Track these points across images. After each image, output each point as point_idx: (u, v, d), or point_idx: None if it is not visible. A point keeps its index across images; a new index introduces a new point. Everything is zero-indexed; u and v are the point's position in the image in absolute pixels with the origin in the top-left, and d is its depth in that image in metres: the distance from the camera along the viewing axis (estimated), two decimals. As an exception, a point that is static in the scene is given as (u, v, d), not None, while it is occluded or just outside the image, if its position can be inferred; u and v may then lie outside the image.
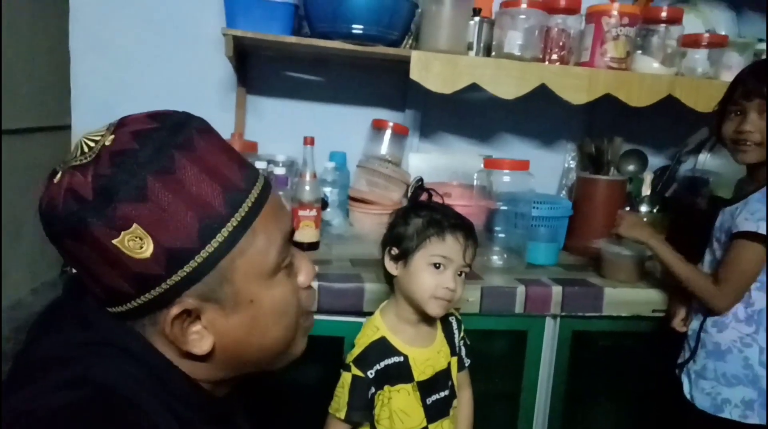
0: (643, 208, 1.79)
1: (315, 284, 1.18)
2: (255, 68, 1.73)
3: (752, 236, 1.07)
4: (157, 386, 0.53)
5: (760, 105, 1.09)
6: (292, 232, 0.60)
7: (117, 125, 0.52)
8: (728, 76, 1.59)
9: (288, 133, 1.61)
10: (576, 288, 1.29)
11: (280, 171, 1.44)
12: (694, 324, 1.18)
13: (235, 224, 0.51)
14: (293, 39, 1.42)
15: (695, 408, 1.13)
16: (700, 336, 1.15)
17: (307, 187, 1.41)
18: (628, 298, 1.31)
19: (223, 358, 0.56)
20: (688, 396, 1.15)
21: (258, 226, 0.53)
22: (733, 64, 1.63)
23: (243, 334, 0.56)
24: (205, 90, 1.70)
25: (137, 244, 0.48)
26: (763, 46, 1.66)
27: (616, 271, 1.36)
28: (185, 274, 0.50)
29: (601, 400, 1.45)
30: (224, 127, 1.65)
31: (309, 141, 1.42)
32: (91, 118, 1.62)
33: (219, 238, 0.51)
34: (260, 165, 1.47)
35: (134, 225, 0.47)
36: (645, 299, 1.31)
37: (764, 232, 1.05)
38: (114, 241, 0.48)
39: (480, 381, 1.16)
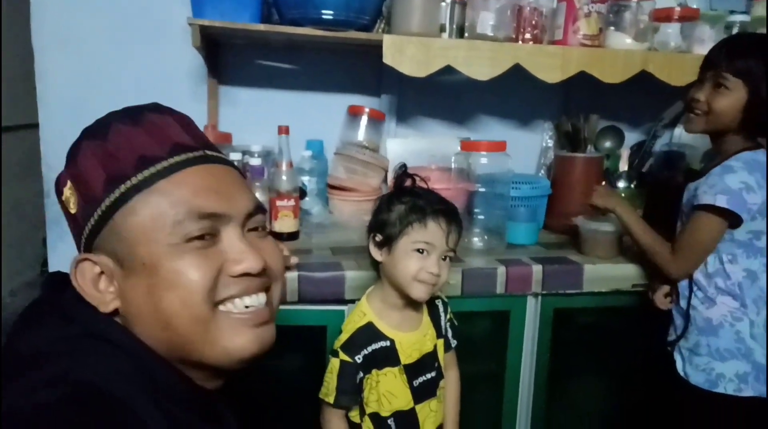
0: (621, 184, 1.81)
1: (294, 274, 1.17)
2: (226, 58, 1.70)
3: (709, 208, 1.08)
4: (144, 380, 0.52)
5: (714, 76, 1.10)
6: (205, 210, 0.57)
7: None
8: (701, 50, 1.60)
9: (263, 122, 1.59)
10: (556, 266, 1.30)
11: (255, 161, 1.42)
12: (682, 302, 1.20)
13: (134, 183, 0.55)
14: (262, 27, 1.39)
15: (689, 384, 1.15)
16: (689, 313, 1.17)
17: (284, 177, 1.40)
18: (607, 274, 1.32)
19: (140, 326, 0.56)
20: (681, 373, 1.17)
21: (159, 191, 0.56)
22: (705, 37, 1.63)
23: (142, 302, 0.55)
24: (175, 82, 1.66)
25: (72, 200, 0.58)
26: (734, 17, 1.66)
27: (595, 247, 1.37)
28: (91, 225, 0.56)
29: (585, 376, 1.47)
30: (197, 119, 1.61)
31: (284, 130, 1.40)
32: (59, 114, 1.58)
33: (116, 193, 0.55)
34: (235, 156, 1.46)
35: (69, 183, 0.58)
36: (624, 274, 1.33)
37: (721, 205, 1.06)
38: (62, 198, 0.60)
39: (464, 362, 1.17)
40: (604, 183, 1.69)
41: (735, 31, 1.65)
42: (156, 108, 0.62)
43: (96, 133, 0.58)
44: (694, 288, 1.16)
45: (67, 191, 0.58)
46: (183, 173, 0.57)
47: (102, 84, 1.61)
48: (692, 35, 1.62)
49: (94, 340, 0.53)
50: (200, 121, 1.65)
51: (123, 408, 0.48)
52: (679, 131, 1.96)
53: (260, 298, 0.60)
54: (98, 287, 0.56)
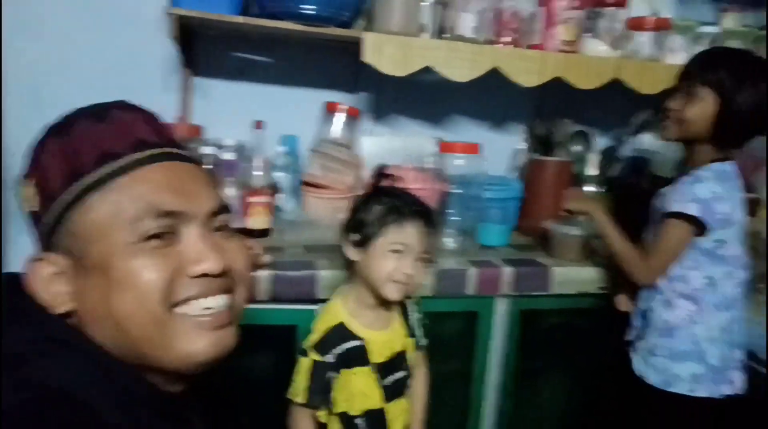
0: (590, 188, 1.84)
1: (267, 273, 1.17)
2: (200, 49, 1.66)
3: (680, 216, 1.12)
4: (106, 383, 0.52)
5: (688, 86, 1.14)
6: (161, 209, 0.55)
7: None
8: (672, 59, 1.64)
9: (237, 116, 1.56)
10: (525, 268, 1.32)
11: (228, 156, 1.41)
12: (642, 304, 1.24)
13: (93, 179, 0.54)
14: (241, 19, 1.37)
15: (645, 384, 1.18)
16: (648, 315, 1.21)
17: (258, 172, 1.39)
18: (575, 277, 1.35)
19: (94, 328, 0.54)
20: (638, 372, 1.20)
21: (118, 188, 0.54)
22: (676, 46, 1.68)
23: (97, 303, 0.53)
24: (146, 71, 1.62)
25: (33, 197, 0.56)
26: (704, 29, 1.71)
27: (564, 250, 1.40)
28: (48, 223, 0.55)
29: (551, 376, 1.50)
30: (167, 111, 1.58)
31: (259, 125, 1.38)
32: (25, 103, 1.53)
33: (74, 189, 0.54)
34: (207, 150, 1.43)
35: (30, 179, 0.57)
36: (591, 277, 1.36)
37: (692, 213, 1.10)
38: (21, 196, 0.58)
39: (434, 361, 1.18)
40: (587, 187, 1.74)
41: (705, 41, 1.70)
42: (123, 104, 0.60)
43: (60, 129, 0.57)
44: (654, 292, 1.20)
45: (29, 189, 0.56)
46: (144, 170, 0.55)
47: (69, 72, 1.56)
48: (664, 44, 1.66)
49: (54, 343, 0.52)
50: (171, 113, 1.62)
51: (88, 412, 0.48)
52: (646, 138, 2.01)
53: (220, 301, 0.58)
54: (51, 288, 0.54)
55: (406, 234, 0.97)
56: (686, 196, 1.12)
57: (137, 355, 0.55)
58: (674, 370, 1.16)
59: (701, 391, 1.14)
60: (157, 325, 0.54)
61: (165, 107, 0.65)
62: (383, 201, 1.00)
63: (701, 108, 1.12)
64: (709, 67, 1.12)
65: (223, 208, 0.61)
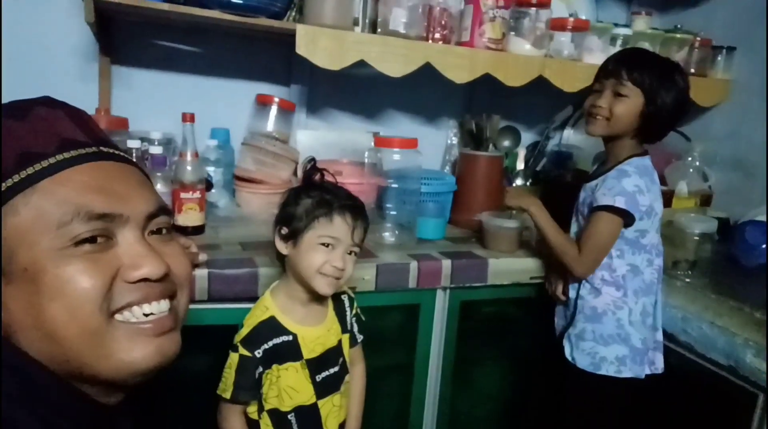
0: (518, 182, 1.92)
1: (204, 272, 1.12)
2: (120, 36, 1.57)
3: (609, 208, 1.19)
4: (30, 400, 0.49)
5: (615, 84, 1.21)
6: (92, 210, 0.53)
7: None
8: (590, 59, 1.74)
9: (164, 108, 1.49)
10: (463, 260, 1.35)
11: (156, 150, 1.33)
12: (571, 292, 1.30)
13: (15, 181, 0.51)
14: (165, 6, 1.30)
15: (576, 368, 1.24)
16: (577, 303, 1.27)
17: (189, 167, 1.32)
18: (509, 268, 1.40)
19: (23, 340, 0.51)
20: (569, 358, 1.26)
21: (42, 190, 0.51)
22: (594, 47, 1.78)
23: (25, 312, 0.50)
24: (61, 59, 1.50)
25: None
26: (619, 31, 1.82)
27: (498, 242, 1.45)
28: None
29: (488, 363, 1.55)
30: (87, 101, 1.47)
31: (189, 118, 1.32)
32: None
33: None
34: (133, 143, 1.35)
35: None
36: (524, 268, 1.41)
37: (620, 205, 1.17)
38: None
39: (377, 354, 1.19)
40: (516, 181, 1.80)
41: (619, 42, 1.81)
42: (47, 102, 0.57)
43: None
44: (583, 280, 1.27)
45: None
46: (71, 171, 0.53)
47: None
48: (582, 45, 1.75)
49: None
50: (90, 103, 1.52)
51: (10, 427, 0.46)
52: (567, 133, 2.12)
53: (162, 306, 0.56)
54: None
55: (335, 227, 0.97)
56: (613, 190, 1.18)
57: (71, 366, 0.52)
58: (602, 354, 1.23)
59: (627, 372, 1.22)
60: (95, 335, 0.52)
61: (83, 97, 0.62)
62: (312, 194, 0.99)
63: (629, 105, 1.19)
64: (635, 66, 1.20)
65: (161, 210, 0.60)
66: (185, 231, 1.31)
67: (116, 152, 0.58)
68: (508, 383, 1.58)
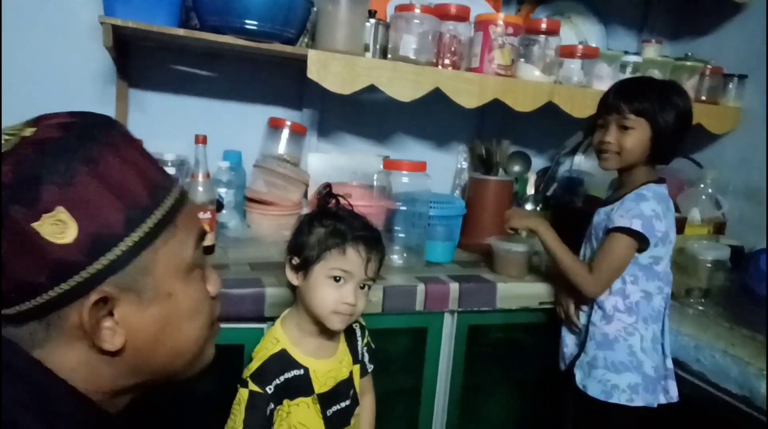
0: (528, 206, 1.92)
1: (212, 291, 1.13)
2: (137, 60, 1.61)
3: (625, 231, 1.18)
4: (41, 407, 0.50)
5: (618, 119, 1.22)
6: (204, 233, 0.62)
7: (35, 120, 0.53)
8: (599, 85, 1.75)
9: (178, 130, 1.52)
10: (471, 284, 1.35)
11: (169, 170, 1.35)
12: (582, 319, 1.28)
13: (159, 216, 0.53)
14: (181, 32, 1.34)
15: (587, 396, 1.22)
16: (589, 329, 1.25)
17: (200, 188, 1.34)
18: (518, 292, 1.39)
19: (136, 358, 0.55)
20: (580, 386, 1.23)
21: (179, 221, 0.56)
22: (604, 74, 1.79)
23: (157, 331, 0.55)
24: (80, 82, 1.54)
25: (58, 228, 0.47)
26: (628, 58, 1.84)
27: (507, 266, 1.44)
28: (108, 261, 0.50)
29: (497, 388, 1.53)
30: (104, 124, 1.51)
31: (201, 139, 1.34)
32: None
33: (144, 227, 0.52)
34: (147, 165, 1.38)
35: (56, 208, 0.47)
36: (533, 293, 1.40)
37: (636, 228, 1.16)
38: (33, 225, 0.47)
39: (383, 378, 1.17)
40: (526, 206, 1.80)
41: (629, 69, 1.83)
42: (112, 125, 0.56)
43: (85, 154, 0.50)
44: (595, 306, 1.25)
45: (53, 218, 0.47)
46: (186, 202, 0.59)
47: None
48: (592, 72, 1.76)
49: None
50: (107, 126, 1.55)
51: None
52: (578, 159, 2.13)
53: None
54: (99, 326, 0.52)
55: (348, 260, 0.92)
56: (631, 213, 1.18)
57: (171, 371, 0.59)
58: (614, 381, 1.20)
59: (639, 401, 1.19)
60: (205, 342, 0.61)
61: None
62: (326, 223, 0.94)
63: (636, 137, 1.20)
64: (634, 97, 1.21)
65: None
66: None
67: None
68: (516, 410, 1.55)
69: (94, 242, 0.49)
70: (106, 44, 1.29)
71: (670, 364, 1.25)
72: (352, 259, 0.92)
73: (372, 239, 0.95)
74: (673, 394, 1.24)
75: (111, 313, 0.52)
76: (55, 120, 0.52)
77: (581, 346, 1.27)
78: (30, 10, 1.48)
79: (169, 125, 1.62)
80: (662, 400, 1.22)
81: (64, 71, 1.52)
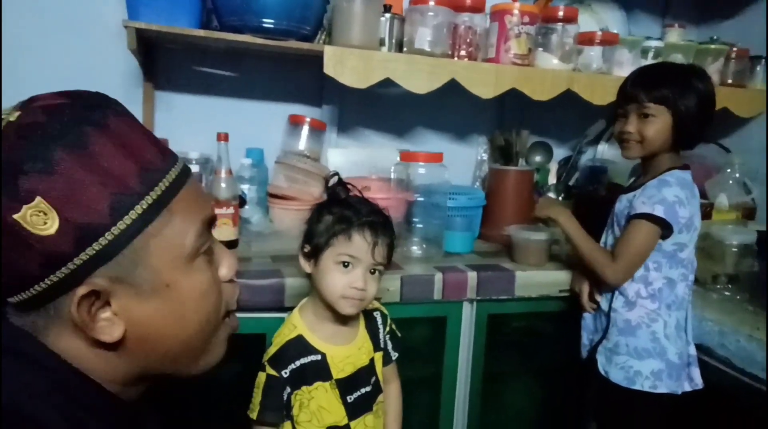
0: (550, 196, 1.90)
1: (234, 281, 1.16)
2: (162, 62, 1.67)
3: (647, 217, 1.17)
4: (58, 396, 0.49)
5: (638, 108, 1.20)
6: (213, 219, 0.59)
7: (24, 103, 0.51)
8: (619, 72, 1.73)
9: (201, 129, 1.56)
10: (490, 272, 1.35)
11: (193, 168, 1.40)
12: (603, 304, 1.27)
13: (150, 202, 0.50)
14: (202, 32, 1.38)
15: (610, 382, 1.21)
16: (611, 315, 1.24)
17: (223, 184, 1.38)
18: (537, 280, 1.39)
19: (139, 350, 0.53)
20: (602, 372, 1.23)
21: (175, 207, 0.53)
22: (624, 60, 1.77)
23: (159, 323, 0.53)
24: (108, 84, 1.58)
25: (40, 219, 0.46)
26: (650, 43, 1.81)
27: (526, 255, 1.44)
28: (95, 252, 0.48)
29: (518, 377, 1.53)
30: (132, 125, 1.57)
31: (223, 137, 1.38)
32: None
33: (132, 214, 0.49)
34: (172, 163, 1.43)
35: (37, 198, 0.45)
36: (552, 280, 1.40)
37: (659, 214, 1.15)
38: (15, 216, 0.45)
39: (403, 367, 1.18)
40: (549, 194, 1.79)
41: (651, 55, 1.80)
42: (110, 103, 0.54)
43: (69, 138, 0.48)
44: (616, 293, 1.24)
45: (34, 209, 0.46)
46: (187, 185, 0.55)
47: (28, 84, 1.52)
48: (612, 58, 1.74)
49: (13, 356, 0.49)
50: (134, 127, 1.61)
51: (35, 426, 0.46)
52: (602, 148, 2.10)
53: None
54: (99, 315, 0.51)
55: (354, 245, 0.93)
56: (653, 199, 1.17)
57: (176, 364, 0.56)
58: (636, 368, 1.19)
59: (662, 388, 1.18)
60: (211, 337, 0.57)
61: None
62: (334, 210, 0.96)
63: (657, 125, 1.19)
64: (653, 85, 1.19)
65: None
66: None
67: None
68: (538, 398, 1.55)
69: (78, 232, 0.47)
70: (130, 47, 1.34)
71: (693, 351, 1.23)
72: (358, 244, 0.93)
73: (378, 224, 0.96)
74: (698, 381, 1.22)
75: (109, 304, 0.51)
76: (42, 102, 0.50)
77: (603, 333, 1.26)
78: (58, 14, 1.55)
79: (193, 125, 1.67)
80: (687, 388, 1.21)
81: (93, 74, 1.59)
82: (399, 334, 1.12)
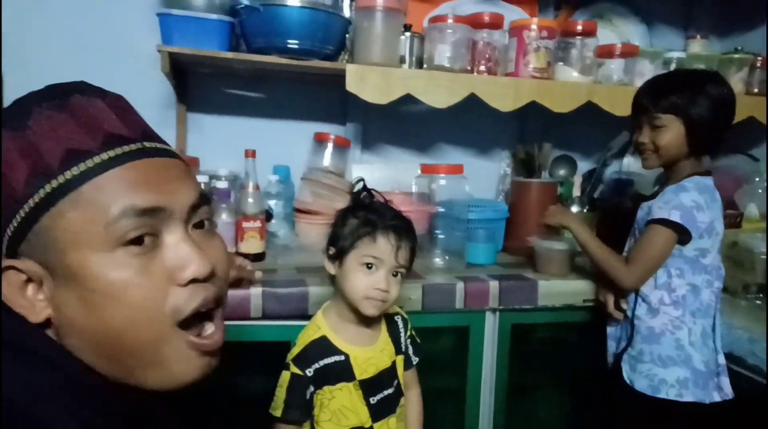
0: (574, 209, 1.90)
1: (258, 290, 1.20)
2: (194, 85, 1.75)
3: (663, 222, 1.16)
4: (69, 396, 0.48)
5: (649, 119, 1.21)
6: (156, 209, 0.52)
7: None
8: (641, 83, 1.72)
9: (231, 148, 1.63)
10: (512, 282, 1.36)
11: (222, 184, 1.46)
12: (628, 312, 1.26)
13: (61, 182, 0.49)
14: (230, 54, 1.45)
15: (635, 391, 1.20)
16: (634, 323, 1.23)
17: (250, 199, 1.43)
18: (560, 290, 1.38)
19: (71, 340, 0.51)
20: (627, 380, 1.22)
21: (90, 190, 0.49)
22: (646, 71, 1.77)
23: (78, 313, 0.50)
24: (144, 108, 1.64)
25: None
26: (672, 54, 1.81)
27: (549, 264, 1.44)
28: (14, 228, 0.50)
29: (543, 387, 1.52)
30: (165, 145, 1.65)
31: (250, 154, 1.45)
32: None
33: (41, 193, 0.49)
34: (202, 180, 1.48)
35: None
36: (576, 290, 1.39)
37: (675, 219, 1.15)
38: None
39: (426, 376, 1.18)
40: (571, 208, 1.80)
41: (672, 66, 1.80)
42: (84, 88, 0.55)
43: (15, 118, 0.51)
44: (639, 300, 1.23)
45: None
46: (118, 169, 0.51)
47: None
48: (634, 70, 1.75)
49: (18, 353, 0.49)
50: (168, 147, 1.69)
51: (36, 424, 0.45)
52: (627, 160, 2.09)
53: (215, 326, 0.57)
54: (25, 296, 0.51)
55: (378, 247, 0.96)
56: (670, 204, 1.17)
57: (121, 367, 0.52)
58: (661, 376, 1.18)
59: (689, 396, 1.16)
60: (156, 343, 0.51)
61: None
62: (358, 214, 1.00)
63: (669, 134, 1.19)
64: (661, 94, 1.20)
65: (202, 198, 0.57)
66: (247, 258, 1.40)
67: (159, 146, 0.56)
68: (564, 410, 1.53)
69: (6, 209, 0.49)
70: (164, 70, 1.42)
71: (722, 360, 1.21)
72: (382, 247, 0.97)
73: (402, 228, 0.99)
74: (728, 390, 1.19)
75: (37, 284, 0.51)
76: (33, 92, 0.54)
77: (628, 341, 1.25)
78: (98, 42, 1.65)
79: (223, 144, 1.74)
80: (716, 398, 1.18)
81: (130, 98, 1.66)
82: (419, 341, 1.13)
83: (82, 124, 0.52)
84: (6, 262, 0.50)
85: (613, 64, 1.73)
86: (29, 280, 0.51)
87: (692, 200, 1.16)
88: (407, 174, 1.79)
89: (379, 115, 1.81)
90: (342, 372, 0.99)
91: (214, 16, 1.42)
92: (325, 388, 0.99)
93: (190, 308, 0.52)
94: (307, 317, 1.22)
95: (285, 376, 0.98)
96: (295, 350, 1.01)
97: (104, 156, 0.51)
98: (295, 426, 1.00)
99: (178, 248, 0.53)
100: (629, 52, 1.73)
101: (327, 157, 1.76)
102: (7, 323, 0.50)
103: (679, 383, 1.16)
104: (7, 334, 0.49)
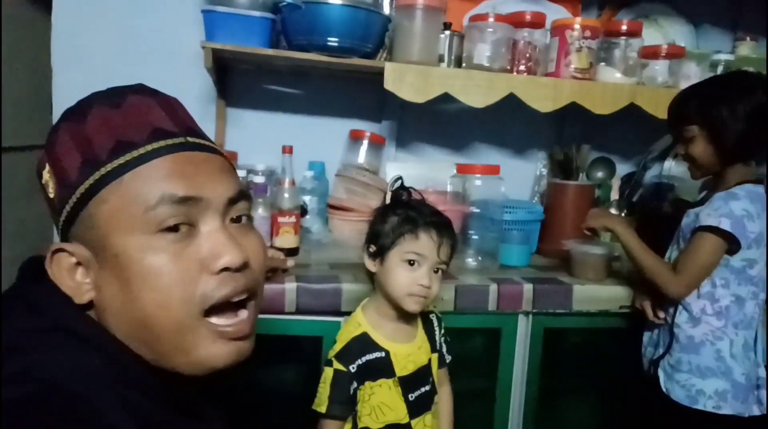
0: (612, 211, 1.86)
1: (293, 286, 1.22)
2: (234, 82, 1.78)
3: (712, 230, 1.13)
4: (113, 377, 0.51)
5: (678, 133, 1.21)
6: (189, 198, 0.54)
7: None
8: (687, 85, 1.68)
9: (268, 144, 1.65)
10: (546, 285, 1.34)
11: (259, 179, 1.48)
12: (668, 319, 1.23)
13: (108, 169, 0.53)
14: (270, 51, 1.47)
15: (671, 400, 1.17)
16: (673, 331, 1.20)
17: (286, 194, 1.45)
18: (596, 295, 1.36)
19: (110, 322, 0.54)
20: (664, 389, 1.19)
21: (132, 178, 0.53)
22: (692, 73, 1.72)
23: (116, 297, 0.53)
24: (185, 102, 1.71)
25: (48, 182, 0.56)
26: (719, 56, 1.75)
27: (585, 269, 1.42)
28: (66, 212, 0.54)
29: (576, 394, 1.49)
30: (205, 139, 1.68)
31: (287, 149, 1.46)
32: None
33: (90, 179, 0.53)
34: (240, 174, 1.51)
35: (47, 166, 0.56)
36: (612, 296, 1.37)
37: (725, 228, 1.11)
38: (43, 181, 0.57)
39: (457, 378, 1.19)
40: (611, 210, 1.77)
41: (720, 68, 1.74)
42: (141, 89, 0.59)
43: (76, 114, 0.56)
44: (680, 308, 1.20)
45: (46, 175, 0.56)
46: (160, 160, 0.54)
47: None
48: (679, 72, 1.70)
49: (64, 334, 0.51)
50: (208, 140, 1.73)
51: (87, 408, 0.47)
52: (669, 164, 2.03)
53: (241, 314, 0.57)
54: (74, 278, 0.54)
55: (421, 243, 0.97)
56: (720, 211, 1.13)
57: (153, 353, 0.54)
58: (699, 386, 1.15)
59: (727, 409, 1.13)
60: (181, 329, 0.53)
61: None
62: (398, 212, 1.02)
63: (697, 145, 1.18)
64: (680, 108, 1.20)
65: (241, 194, 0.59)
66: (281, 252, 1.42)
67: (202, 142, 0.59)
68: (597, 418, 1.50)
69: (61, 194, 0.54)
70: (207, 65, 1.45)
71: (763, 373, 1.17)
72: (424, 243, 0.98)
73: (442, 225, 1.01)
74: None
75: (85, 268, 0.54)
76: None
77: (666, 348, 1.22)
78: (143, 36, 1.69)
79: (260, 139, 1.76)
80: (755, 412, 1.15)
81: (171, 92, 1.71)
82: (449, 339, 1.15)
83: (132, 119, 0.56)
84: (57, 245, 0.54)
85: (658, 66, 1.69)
86: (78, 263, 0.54)
87: (743, 209, 1.12)
88: (442, 173, 1.78)
89: (414, 113, 1.81)
90: (383, 368, 1.01)
91: (256, 14, 1.44)
92: (366, 383, 1.00)
93: (217, 296, 0.54)
94: (340, 313, 1.24)
95: (328, 373, 1.00)
96: (337, 347, 1.02)
97: (148, 147, 0.54)
98: (339, 421, 1.01)
99: (213, 238, 0.55)
100: (675, 54, 1.68)
101: (362, 155, 1.77)
102: (57, 307, 0.53)
103: (717, 395, 1.13)
104: (56, 318, 0.52)
